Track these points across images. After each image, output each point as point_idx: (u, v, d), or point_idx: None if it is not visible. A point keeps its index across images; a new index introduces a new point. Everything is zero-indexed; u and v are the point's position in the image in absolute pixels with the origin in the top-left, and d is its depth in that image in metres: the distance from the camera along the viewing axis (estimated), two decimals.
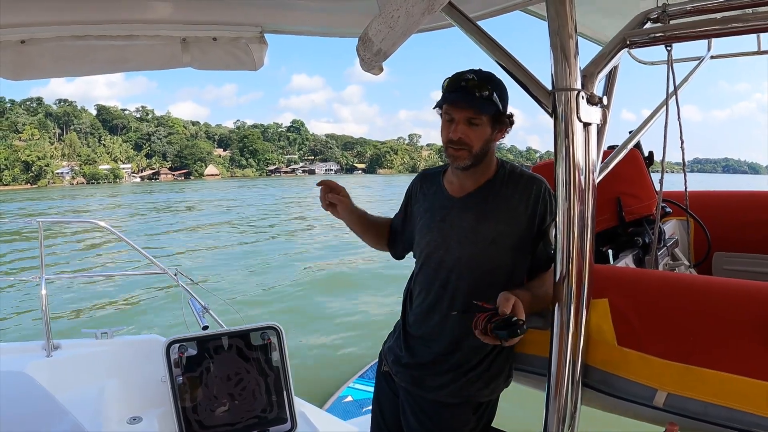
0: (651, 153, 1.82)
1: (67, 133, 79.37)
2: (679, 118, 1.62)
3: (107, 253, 13.83)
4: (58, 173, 73.68)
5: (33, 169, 69.60)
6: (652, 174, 1.81)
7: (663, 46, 1.45)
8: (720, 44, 2.02)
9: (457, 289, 1.32)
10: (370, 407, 1.63)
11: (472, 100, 1.24)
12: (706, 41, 1.94)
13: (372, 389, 1.63)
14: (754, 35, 2.00)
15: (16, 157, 68.80)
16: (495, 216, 1.31)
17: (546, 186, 1.32)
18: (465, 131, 1.27)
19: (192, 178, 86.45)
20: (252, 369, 2.26)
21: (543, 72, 1.12)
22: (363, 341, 6.41)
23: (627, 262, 1.66)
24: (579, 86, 1.08)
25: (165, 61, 1.68)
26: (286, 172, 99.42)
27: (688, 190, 1.85)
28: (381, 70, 1.16)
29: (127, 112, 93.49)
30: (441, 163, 1.49)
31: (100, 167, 78.43)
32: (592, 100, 1.10)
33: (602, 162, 1.26)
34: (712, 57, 1.99)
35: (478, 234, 1.31)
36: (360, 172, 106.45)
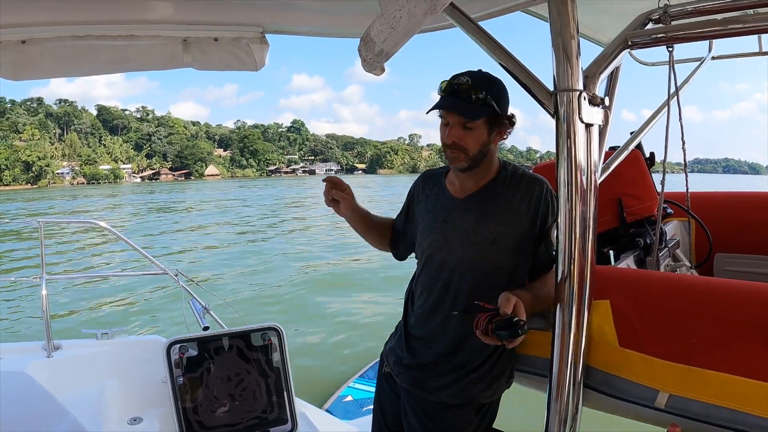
0: (652, 154, 1.82)
1: (67, 134, 79.51)
2: (680, 119, 1.61)
3: (107, 253, 13.84)
4: (58, 173, 73.82)
5: (33, 169, 69.74)
6: (653, 175, 1.81)
7: (664, 46, 1.45)
8: (721, 45, 2.02)
9: (459, 290, 1.32)
10: (371, 407, 1.63)
11: (462, 105, 1.23)
12: (707, 42, 1.94)
13: (372, 389, 1.62)
14: (755, 36, 2.00)
15: (16, 157, 68.94)
16: (495, 217, 1.31)
17: (548, 187, 1.31)
18: (459, 135, 1.26)
19: (192, 178, 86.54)
20: (252, 370, 2.26)
21: (545, 73, 1.12)
22: (363, 341, 6.41)
23: (628, 263, 1.65)
24: (581, 87, 1.08)
25: (166, 61, 1.68)
26: (286, 173, 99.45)
27: (689, 191, 1.84)
28: (383, 70, 1.16)
29: (127, 113, 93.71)
30: (441, 164, 1.49)
31: (101, 167, 78.57)
32: (593, 101, 1.09)
33: (604, 163, 1.26)
34: (713, 58, 1.99)
35: (478, 235, 1.30)
36: (360, 172, 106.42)
